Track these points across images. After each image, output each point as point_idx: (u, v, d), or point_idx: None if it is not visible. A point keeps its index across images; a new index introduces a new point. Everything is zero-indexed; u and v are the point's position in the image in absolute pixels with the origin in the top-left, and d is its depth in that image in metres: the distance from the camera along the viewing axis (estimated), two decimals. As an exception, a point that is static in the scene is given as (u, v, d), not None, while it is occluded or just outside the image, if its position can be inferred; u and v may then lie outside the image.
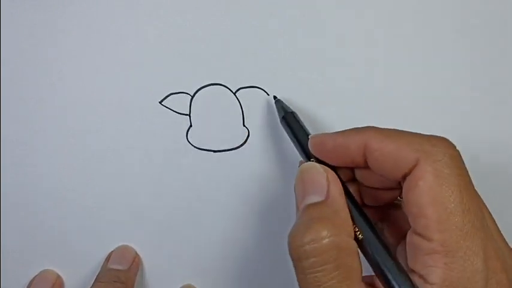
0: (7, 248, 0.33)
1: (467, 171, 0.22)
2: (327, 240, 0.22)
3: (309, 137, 0.27)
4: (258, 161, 0.32)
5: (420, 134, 0.23)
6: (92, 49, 0.30)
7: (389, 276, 0.21)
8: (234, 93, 0.31)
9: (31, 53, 0.30)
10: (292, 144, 0.29)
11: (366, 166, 0.24)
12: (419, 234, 0.21)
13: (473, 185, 0.22)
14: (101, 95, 0.31)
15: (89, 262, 0.34)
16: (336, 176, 0.24)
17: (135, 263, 0.33)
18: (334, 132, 0.25)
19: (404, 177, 0.22)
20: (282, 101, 0.30)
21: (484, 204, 0.24)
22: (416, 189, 0.21)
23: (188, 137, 0.32)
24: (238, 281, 0.35)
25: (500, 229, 0.24)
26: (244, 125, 0.32)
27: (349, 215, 0.23)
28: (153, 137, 0.32)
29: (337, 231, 0.22)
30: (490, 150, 0.33)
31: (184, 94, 0.31)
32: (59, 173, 0.32)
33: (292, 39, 0.31)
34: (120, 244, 0.33)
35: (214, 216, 0.33)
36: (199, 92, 0.31)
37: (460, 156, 0.22)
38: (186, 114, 0.32)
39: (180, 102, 0.31)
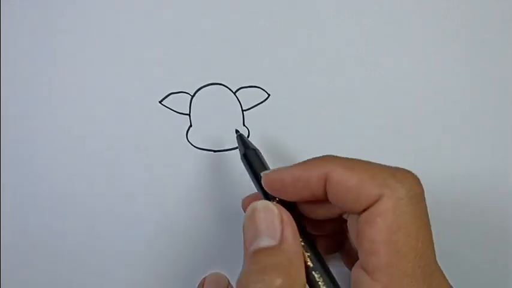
0: (7, 248, 0.33)
1: (427, 212, 0.21)
2: None
3: (262, 174, 0.25)
4: (258, 161, 0.32)
5: (385, 166, 0.22)
6: (92, 49, 0.30)
7: None
8: (234, 93, 0.31)
9: (31, 53, 0.30)
10: (293, 144, 0.29)
11: (325, 199, 0.23)
12: (365, 270, 0.21)
13: (429, 226, 0.21)
14: (101, 95, 0.31)
15: (89, 262, 0.34)
16: (291, 218, 0.23)
17: None
18: (291, 166, 0.24)
19: (364, 210, 0.21)
20: (244, 136, 0.29)
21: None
22: (373, 225, 0.20)
23: (188, 136, 0.32)
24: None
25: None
26: (244, 125, 0.32)
27: (302, 262, 0.22)
28: (153, 137, 0.32)
29: (291, 281, 0.21)
30: (490, 150, 0.33)
31: (185, 94, 0.31)
32: (59, 173, 0.32)
33: (292, 39, 0.31)
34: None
35: (214, 216, 0.33)
36: (199, 91, 0.31)
37: (422, 193, 0.21)
38: (186, 114, 0.32)
39: (180, 102, 0.31)
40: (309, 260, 0.23)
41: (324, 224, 0.26)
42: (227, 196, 0.33)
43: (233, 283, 0.34)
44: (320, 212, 0.25)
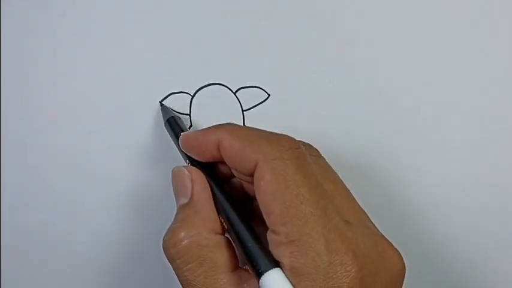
0: (7, 248, 0.33)
1: (304, 162, 0.23)
2: (185, 241, 0.23)
3: (180, 134, 0.27)
4: (258, 161, 0.32)
5: (265, 133, 0.24)
6: (92, 49, 0.30)
7: (252, 257, 0.22)
8: (234, 93, 0.31)
9: (31, 53, 0.30)
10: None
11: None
12: (271, 231, 0.22)
13: (314, 174, 0.23)
14: (101, 95, 0.31)
15: (89, 262, 0.34)
16: (200, 174, 0.25)
17: None
18: (199, 130, 0.26)
19: (252, 175, 0.23)
20: (166, 107, 0.31)
21: (336, 187, 0.25)
22: (260, 189, 0.22)
23: (188, 137, 0.32)
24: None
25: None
26: (244, 125, 0.32)
27: (214, 211, 0.25)
28: (154, 137, 0.32)
29: (196, 230, 0.24)
30: (490, 150, 0.33)
31: (185, 94, 0.31)
32: (59, 173, 0.32)
33: (292, 39, 0.31)
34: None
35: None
36: (199, 91, 0.31)
37: (298, 152, 0.23)
38: (187, 114, 0.32)
39: (181, 102, 0.31)
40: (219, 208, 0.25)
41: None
42: (227, 196, 0.33)
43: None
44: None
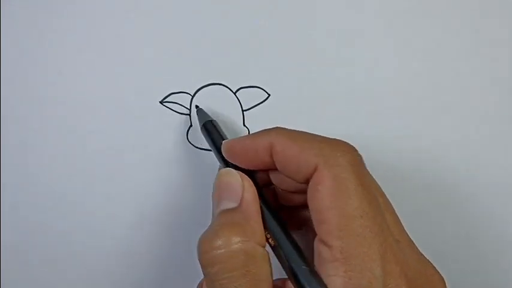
0: (7, 248, 0.33)
1: (365, 174, 0.22)
2: (235, 246, 0.21)
3: (222, 142, 0.26)
4: (258, 161, 0.32)
5: (324, 137, 0.23)
6: (92, 49, 0.30)
7: (302, 281, 0.21)
8: (234, 93, 0.31)
9: (31, 53, 0.30)
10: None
11: (275, 168, 0.24)
12: (322, 241, 0.21)
13: (372, 187, 0.22)
14: (101, 95, 0.31)
15: (89, 262, 0.34)
16: (251, 182, 0.24)
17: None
18: (244, 136, 0.26)
19: (308, 180, 0.22)
20: (203, 110, 0.30)
21: (386, 203, 0.24)
22: (316, 194, 0.21)
23: (188, 136, 0.32)
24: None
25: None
26: (244, 125, 0.32)
27: (261, 222, 0.23)
28: (154, 137, 0.32)
29: (246, 237, 0.22)
30: (489, 150, 0.33)
31: (185, 94, 0.31)
32: (59, 173, 0.32)
33: (292, 39, 0.31)
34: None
35: (214, 216, 0.33)
36: (199, 91, 0.31)
37: (360, 160, 0.22)
38: (187, 114, 0.32)
39: (181, 102, 0.31)
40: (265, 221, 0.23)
41: (298, 197, 0.26)
42: (227, 196, 0.33)
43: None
44: (289, 184, 0.25)
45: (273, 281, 0.22)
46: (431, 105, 0.32)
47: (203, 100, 0.31)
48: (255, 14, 0.30)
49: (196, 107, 0.31)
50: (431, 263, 0.23)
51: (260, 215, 0.23)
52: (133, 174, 0.32)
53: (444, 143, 0.33)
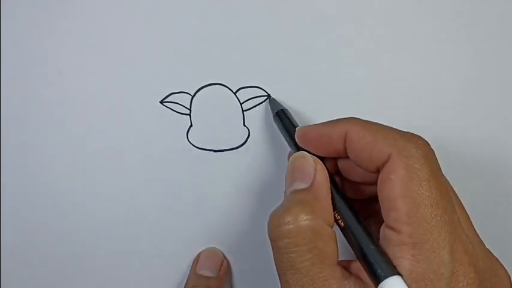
0: (7, 248, 0.33)
1: (438, 167, 0.23)
2: (303, 222, 0.22)
3: (296, 128, 0.28)
4: (258, 161, 0.32)
5: (398, 130, 0.24)
6: (92, 49, 0.30)
7: (371, 260, 0.22)
8: (234, 93, 0.31)
9: (31, 53, 0.30)
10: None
11: (346, 156, 0.25)
12: (390, 227, 0.22)
13: (444, 181, 0.23)
14: (101, 95, 0.31)
15: (89, 262, 0.34)
16: (324, 166, 0.25)
17: (223, 269, 0.33)
18: (319, 123, 0.26)
19: (379, 170, 0.23)
20: (275, 100, 0.31)
21: (457, 199, 0.25)
22: (388, 183, 0.22)
23: (188, 136, 0.32)
24: (236, 280, 0.35)
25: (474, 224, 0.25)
26: (244, 125, 0.32)
27: (330, 203, 0.24)
28: (154, 137, 0.32)
29: (314, 215, 0.23)
30: (489, 150, 0.33)
31: (185, 94, 0.31)
32: (59, 173, 0.32)
33: (292, 39, 0.31)
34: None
35: (214, 216, 0.33)
36: (199, 91, 0.31)
37: (433, 154, 0.23)
38: (187, 114, 0.32)
39: (181, 102, 0.31)
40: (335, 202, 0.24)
41: (363, 188, 0.27)
42: (227, 196, 0.33)
43: (231, 262, 0.34)
44: (356, 173, 0.26)
45: (339, 261, 0.23)
46: (432, 105, 0.32)
47: (203, 100, 0.31)
48: (255, 14, 0.30)
49: (269, 96, 0.31)
50: (498, 260, 0.24)
51: (330, 197, 0.24)
52: (133, 174, 0.32)
53: (445, 143, 0.33)
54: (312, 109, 0.32)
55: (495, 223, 0.34)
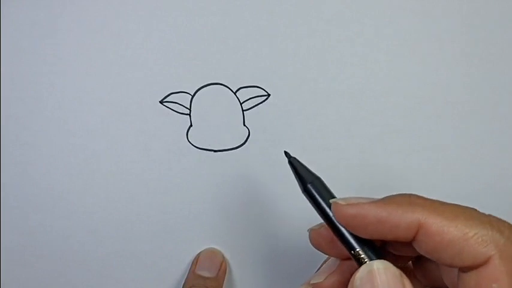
0: (7, 248, 0.33)
1: None
2: None
3: (332, 202, 0.22)
4: (258, 161, 0.32)
5: (488, 217, 0.20)
6: (92, 49, 0.30)
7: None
8: (234, 93, 0.31)
9: (31, 53, 0.30)
10: (293, 144, 0.29)
11: (408, 242, 0.21)
12: None
13: None
14: (101, 95, 0.31)
15: (89, 262, 0.34)
16: (410, 284, 0.20)
17: (222, 270, 0.33)
18: (371, 203, 0.21)
19: (466, 269, 0.20)
20: (297, 162, 0.24)
21: None
22: None
23: (188, 136, 0.32)
24: (236, 280, 0.35)
25: None
26: (244, 125, 0.32)
27: None
28: (154, 137, 0.32)
29: None
30: (488, 150, 0.33)
31: (185, 94, 0.31)
32: (59, 173, 0.32)
33: (292, 38, 0.31)
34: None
35: (214, 216, 0.33)
36: (199, 91, 0.31)
37: None
38: (187, 114, 0.32)
39: (181, 102, 0.31)
40: None
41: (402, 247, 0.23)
42: (227, 196, 0.33)
43: (231, 262, 0.34)
44: (402, 251, 0.23)
45: None
46: (432, 105, 0.32)
47: (203, 100, 0.31)
48: (255, 14, 0.30)
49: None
50: None
51: None
52: (133, 174, 0.32)
53: (445, 143, 0.32)
54: (312, 109, 0.32)
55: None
